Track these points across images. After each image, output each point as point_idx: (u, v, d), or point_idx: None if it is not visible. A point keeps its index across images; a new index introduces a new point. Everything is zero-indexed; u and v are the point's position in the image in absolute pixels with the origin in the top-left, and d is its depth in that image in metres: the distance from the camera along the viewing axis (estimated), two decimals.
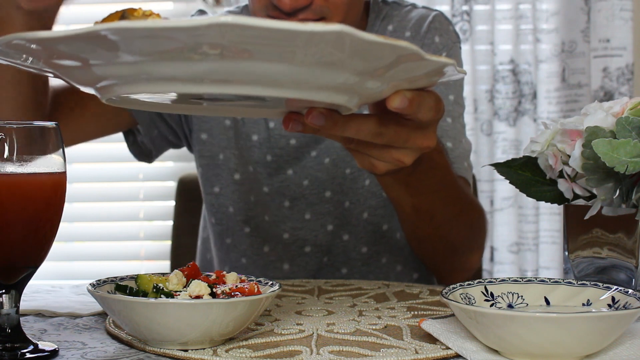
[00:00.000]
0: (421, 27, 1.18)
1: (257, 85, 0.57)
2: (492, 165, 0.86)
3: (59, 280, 1.72)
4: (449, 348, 0.64)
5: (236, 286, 0.69)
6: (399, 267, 1.21)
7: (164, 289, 0.68)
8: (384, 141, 0.71)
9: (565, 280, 0.71)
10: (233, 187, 1.18)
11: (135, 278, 0.70)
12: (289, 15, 0.99)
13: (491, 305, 0.70)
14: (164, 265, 1.90)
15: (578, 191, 0.80)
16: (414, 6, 1.22)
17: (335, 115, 0.67)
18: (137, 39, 0.52)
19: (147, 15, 0.59)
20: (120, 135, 1.22)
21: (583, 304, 0.69)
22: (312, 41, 0.52)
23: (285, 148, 1.16)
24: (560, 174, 0.81)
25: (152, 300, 0.65)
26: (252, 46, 0.52)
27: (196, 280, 0.69)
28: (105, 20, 0.59)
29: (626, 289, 0.66)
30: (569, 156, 0.78)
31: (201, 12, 1.24)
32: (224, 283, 0.71)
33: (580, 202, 0.80)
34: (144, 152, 1.22)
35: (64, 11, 0.93)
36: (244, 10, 1.24)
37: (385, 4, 1.22)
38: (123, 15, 0.59)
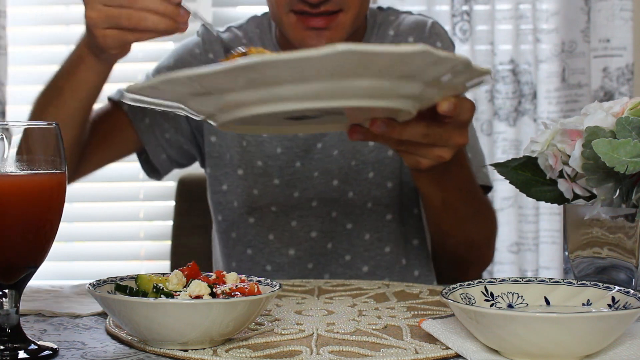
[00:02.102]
0: (423, 32, 1.24)
1: (358, 98, 0.68)
2: (492, 165, 0.87)
3: (59, 280, 1.71)
4: (449, 348, 0.64)
5: (236, 286, 0.69)
6: (403, 261, 1.23)
7: (164, 289, 0.68)
8: (429, 141, 0.82)
9: (565, 280, 0.71)
10: (237, 182, 1.24)
11: (135, 278, 0.70)
12: (314, 7, 1.08)
13: (491, 305, 0.70)
14: (164, 265, 1.90)
15: (578, 191, 0.80)
16: (409, 13, 1.29)
17: (393, 122, 0.79)
18: (272, 69, 0.63)
19: (259, 51, 0.76)
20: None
21: (583, 304, 0.69)
22: (406, 60, 0.64)
23: (293, 139, 1.22)
24: (560, 174, 0.81)
25: (152, 300, 0.65)
26: (362, 69, 0.64)
27: (196, 280, 0.69)
28: (233, 57, 0.75)
29: (626, 289, 0.66)
30: (569, 156, 0.78)
31: (204, 26, 1.25)
32: (224, 283, 0.71)
33: (580, 202, 0.80)
34: (153, 170, 1.31)
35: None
36: (251, 21, 1.28)
37: (380, 10, 1.28)
38: (244, 54, 0.76)
